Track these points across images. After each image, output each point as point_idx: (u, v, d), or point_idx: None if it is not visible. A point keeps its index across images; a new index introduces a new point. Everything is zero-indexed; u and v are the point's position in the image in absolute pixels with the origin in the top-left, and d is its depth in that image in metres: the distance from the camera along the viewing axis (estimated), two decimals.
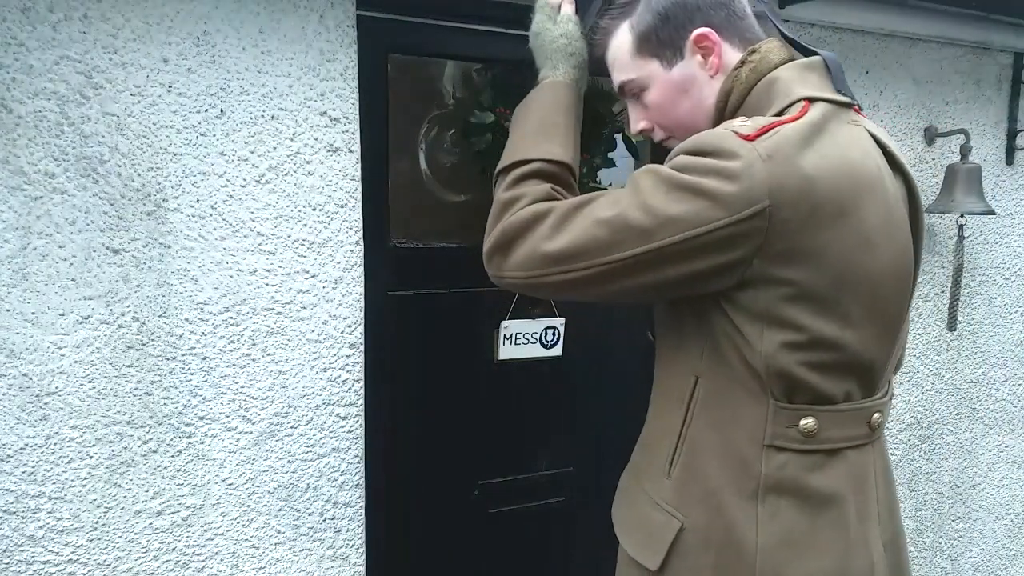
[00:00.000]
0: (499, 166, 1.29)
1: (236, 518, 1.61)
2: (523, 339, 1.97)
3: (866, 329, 1.10)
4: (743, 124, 1.04)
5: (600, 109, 1.94)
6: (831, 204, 1.02)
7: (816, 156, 1.02)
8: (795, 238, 1.02)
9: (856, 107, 1.16)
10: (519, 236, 1.15)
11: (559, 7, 1.36)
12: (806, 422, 1.10)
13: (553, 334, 2.00)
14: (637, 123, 1.27)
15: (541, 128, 1.27)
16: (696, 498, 1.15)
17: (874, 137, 1.14)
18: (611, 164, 2.04)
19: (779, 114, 1.08)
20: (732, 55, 1.16)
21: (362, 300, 1.68)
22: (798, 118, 1.04)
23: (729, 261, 1.04)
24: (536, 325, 1.98)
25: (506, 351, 1.94)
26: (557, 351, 2.00)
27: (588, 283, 1.11)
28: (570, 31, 1.33)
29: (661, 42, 1.18)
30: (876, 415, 1.17)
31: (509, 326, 1.94)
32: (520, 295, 1.93)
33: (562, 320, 1.99)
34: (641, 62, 1.21)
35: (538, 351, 1.99)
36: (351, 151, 1.63)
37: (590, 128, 1.99)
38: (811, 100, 1.08)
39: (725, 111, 1.16)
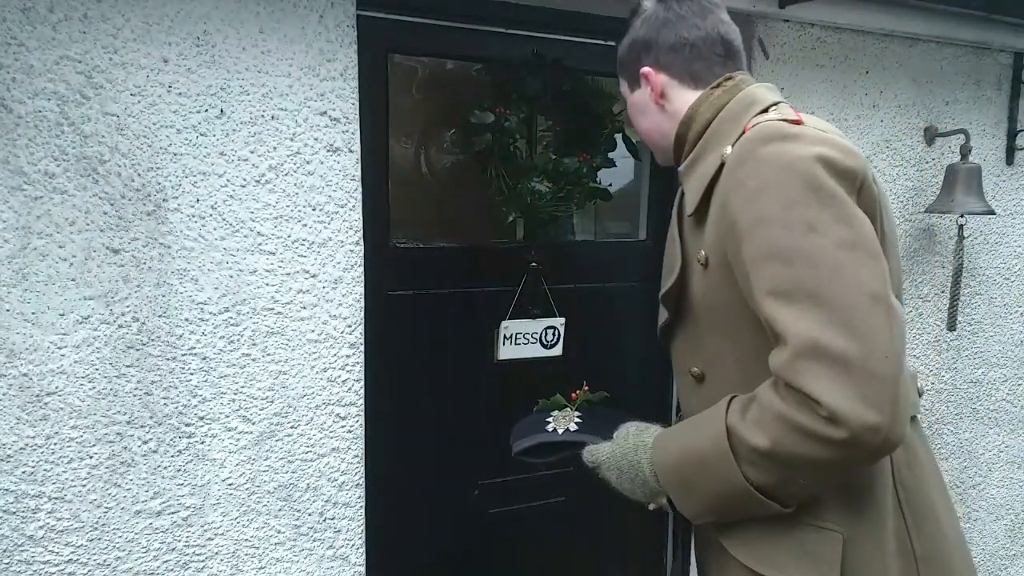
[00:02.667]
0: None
1: (236, 518, 1.61)
2: (523, 339, 1.96)
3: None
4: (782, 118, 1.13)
5: (600, 109, 1.95)
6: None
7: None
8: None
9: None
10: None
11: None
12: None
13: (553, 334, 2.00)
14: None
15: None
16: (850, 500, 1.13)
17: None
18: (611, 164, 2.04)
19: (762, 113, 1.18)
20: (680, 91, 1.27)
21: (362, 300, 1.68)
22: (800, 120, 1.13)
23: None
24: (536, 325, 1.97)
25: (506, 351, 1.94)
26: (557, 351, 2.00)
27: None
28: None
29: (624, 68, 1.34)
30: (921, 382, 1.20)
31: (509, 326, 1.94)
32: (521, 294, 1.93)
33: (562, 320, 1.99)
34: (621, 79, 1.37)
35: (538, 351, 1.99)
36: (351, 151, 1.62)
37: (590, 128, 1.99)
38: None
39: (692, 127, 1.24)
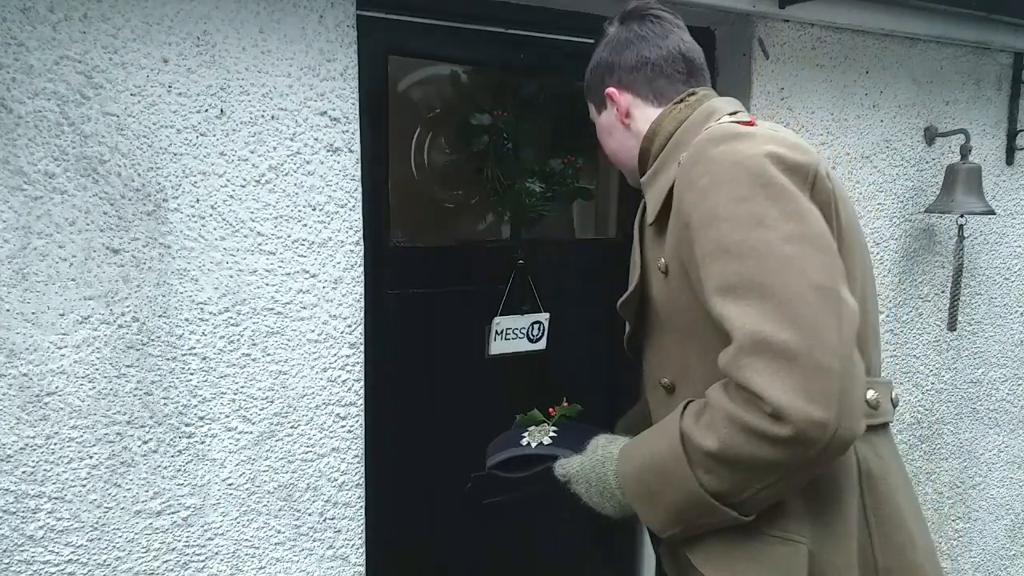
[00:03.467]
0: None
1: (236, 518, 1.61)
2: (512, 334, 2.03)
3: (868, 298, 1.17)
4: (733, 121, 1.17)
5: (583, 112, 1.97)
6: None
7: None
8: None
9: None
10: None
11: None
12: (870, 393, 1.14)
13: (539, 329, 2.07)
14: None
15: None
16: (817, 510, 1.09)
17: None
18: (594, 165, 2.09)
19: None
20: (643, 109, 1.32)
21: (362, 300, 1.68)
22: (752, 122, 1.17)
23: None
24: (524, 320, 2.04)
25: (497, 346, 2.00)
26: (542, 345, 2.06)
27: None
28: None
29: (590, 91, 1.40)
30: (894, 392, 1.24)
31: (500, 322, 1.99)
32: (511, 290, 1.99)
33: (547, 315, 2.05)
34: (589, 103, 1.42)
35: (525, 345, 2.06)
36: (351, 151, 1.63)
37: (574, 130, 2.03)
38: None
39: (655, 141, 1.27)
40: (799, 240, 1.02)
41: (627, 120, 1.32)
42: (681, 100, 1.28)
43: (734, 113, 1.22)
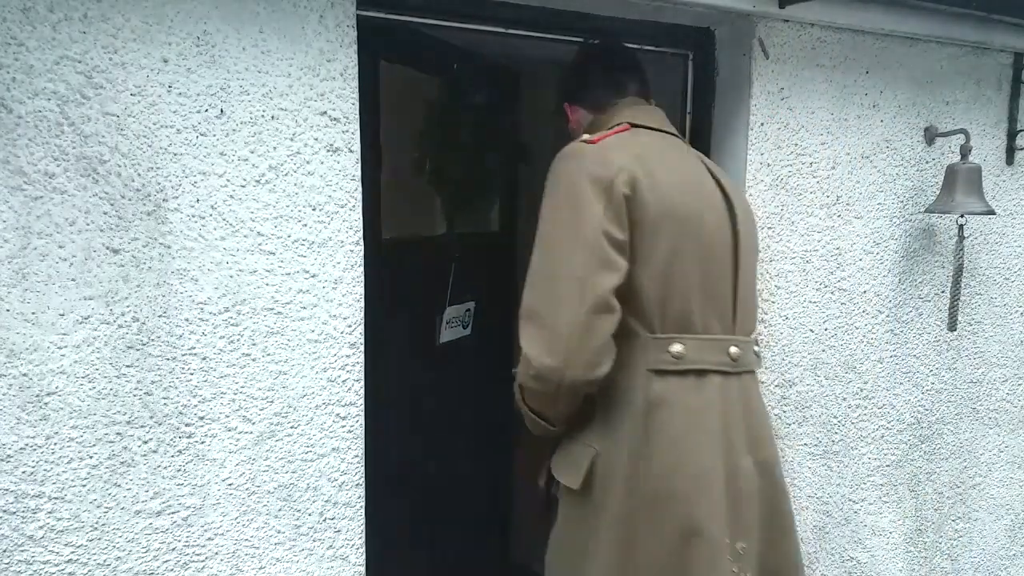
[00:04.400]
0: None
1: (236, 518, 1.61)
2: (455, 323, 2.19)
3: (688, 274, 1.55)
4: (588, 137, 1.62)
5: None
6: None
7: (636, 146, 1.59)
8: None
9: (671, 132, 1.74)
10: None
11: None
12: (676, 348, 1.54)
13: (468, 316, 2.23)
14: None
15: None
16: (609, 429, 1.57)
17: (695, 152, 1.74)
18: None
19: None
20: (586, 117, 1.78)
21: (362, 300, 1.68)
22: (618, 132, 1.62)
23: None
24: (461, 309, 2.18)
25: (445, 335, 2.14)
26: (469, 330, 2.24)
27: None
28: None
29: (557, 108, 1.85)
30: (734, 348, 1.60)
31: (448, 311, 2.14)
32: (455, 280, 2.17)
33: (473, 303, 2.20)
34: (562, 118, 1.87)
35: (461, 332, 2.21)
36: (351, 151, 1.63)
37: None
38: (633, 125, 1.65)
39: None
40: (573, 240, 1.47)
41: (577, 127, 1.78)
42: (605, 110, 1.73)
43: (618, 124, 1.65)
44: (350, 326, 1.67)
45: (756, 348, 1.70)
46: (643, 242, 1.51)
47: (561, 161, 1.55)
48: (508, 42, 1.96)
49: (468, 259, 2.23)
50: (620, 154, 1.52)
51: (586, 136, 1.59)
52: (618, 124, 1.64)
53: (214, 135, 1.50)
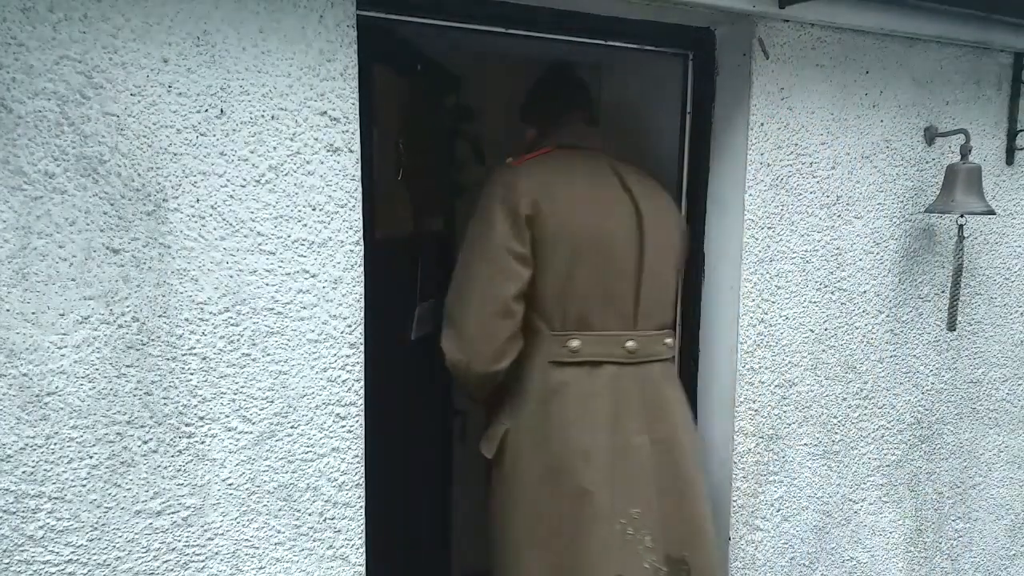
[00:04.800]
0: None
1: (236, 518, 1.61)
2: (426, 319, 2.28)
3: (587, 280, 1.86)
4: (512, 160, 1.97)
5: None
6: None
7: (546, 169, 1.93)
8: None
9: (595, 148, 2.07)
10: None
11: None
12: (574, 343, 1.87)
13: (430, 313, 2.31)
14: None
15: None
16: (516, 410, 1.92)
17: (612, 165, 2.02)
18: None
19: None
20: (532, 133, 2.13)
21: (362, 300, 1.68)
22: (541, 154, 1.99)
23: None
24: (424, 308, 2.29)
25: (416, 331, 2.24)
26: (429, 327, 2.30)
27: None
28: None
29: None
30: (631, 343, 1.90)
31: (419, 307, 2.23)
32: (426, 279, 2.29)
33: (432, 302, 2.28)
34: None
35: (429, 328, 2.29)
36: (351, 151, 1.63)
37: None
38: (559, 146, 2.01)
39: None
40: (482, 254, 1.84)
41: (532, 143, 2.10)
42: (544, 131, 2.10)
43: (539, 146, 2.03)
44: (350, 326, 1.67)
45: (668, 341, 1.98)
46: (544, 254, 1.83)
47: (486, 185, 1.91)
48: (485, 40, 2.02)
49: (433, 256, 2.39)
50: (528, 180, 1.86)
51: (510, 160, 1.96)
52: (545, 146, 2.01)
53: (214, 135, 1.50)
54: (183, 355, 1.52)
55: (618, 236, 1.89)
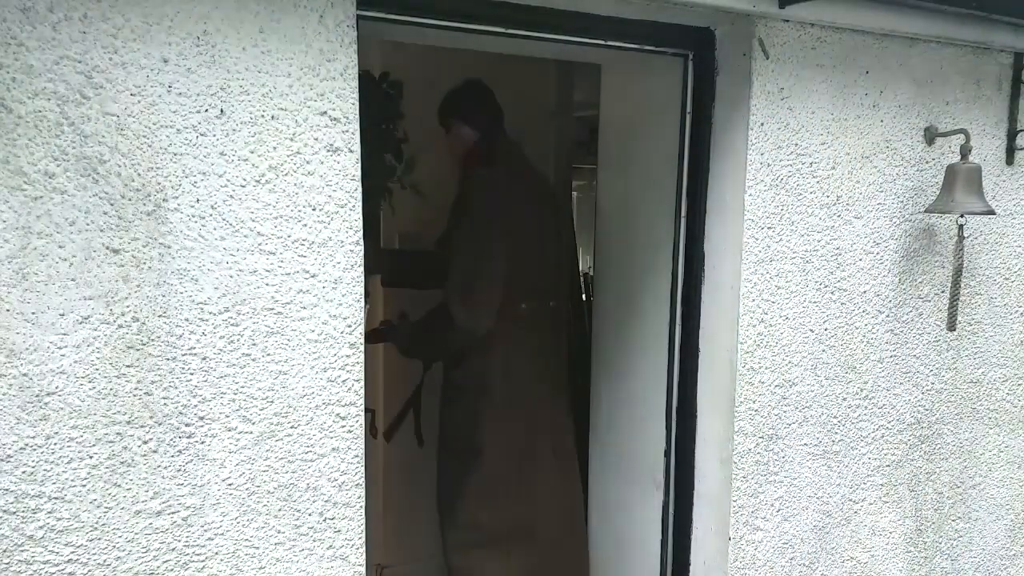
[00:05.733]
0: None
1: (236, 518, 1.61)
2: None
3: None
4: None
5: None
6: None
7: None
8: None
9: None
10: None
11: None
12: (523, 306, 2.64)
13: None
14: None
15: None
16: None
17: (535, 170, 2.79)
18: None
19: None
20: (470, 133, 2.63)
21: (362, 300, 1.68)
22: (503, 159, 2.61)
23: None
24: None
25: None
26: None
27: None
28: None
29: (443, 119, 2.68)
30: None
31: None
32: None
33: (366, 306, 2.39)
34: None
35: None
36: (351, 151, 1.63)
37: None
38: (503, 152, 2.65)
39: None
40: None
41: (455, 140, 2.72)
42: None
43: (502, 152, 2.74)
44: (350, 326, 1.67)
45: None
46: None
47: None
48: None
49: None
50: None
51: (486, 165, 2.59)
52: (503, 151, 2.57)
53: (214, 135, 1.50)
54: (183, 355, 1.52)
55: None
